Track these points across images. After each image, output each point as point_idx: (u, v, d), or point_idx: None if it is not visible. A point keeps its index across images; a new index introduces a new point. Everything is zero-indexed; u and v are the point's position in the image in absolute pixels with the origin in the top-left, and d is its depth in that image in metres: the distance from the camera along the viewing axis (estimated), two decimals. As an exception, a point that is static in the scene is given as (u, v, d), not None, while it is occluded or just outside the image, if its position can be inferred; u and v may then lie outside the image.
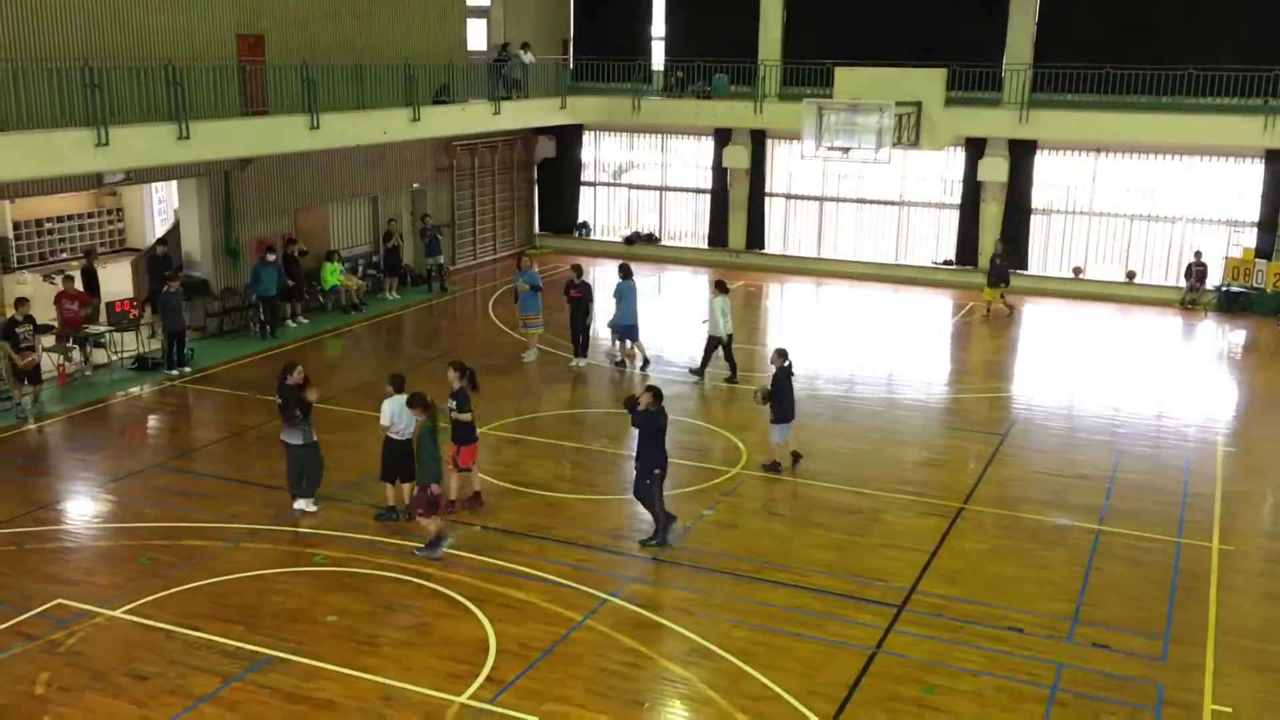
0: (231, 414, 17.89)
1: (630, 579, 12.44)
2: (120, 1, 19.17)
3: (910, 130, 26.05)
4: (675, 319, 20.11)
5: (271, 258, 21.64)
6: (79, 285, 20.36)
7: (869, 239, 30.13)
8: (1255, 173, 26.25)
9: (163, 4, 19.90)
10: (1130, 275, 27.65)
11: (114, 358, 20.05)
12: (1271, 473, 16.35)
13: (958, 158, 28.48)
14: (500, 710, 9.81)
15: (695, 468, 15.74)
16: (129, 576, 12.18)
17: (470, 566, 12.51)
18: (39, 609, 11.40)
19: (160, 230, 25.38)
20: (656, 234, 32.25)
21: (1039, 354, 23.06)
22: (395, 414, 13.26)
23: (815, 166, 29.27)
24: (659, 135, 31.83)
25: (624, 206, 32.83)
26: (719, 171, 30.76)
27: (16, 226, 26.20)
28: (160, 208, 28.34)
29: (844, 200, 30.32)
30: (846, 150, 25.29)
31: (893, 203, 29.81)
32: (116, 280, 22.89)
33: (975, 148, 28.00)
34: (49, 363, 18.55)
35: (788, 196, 30.86)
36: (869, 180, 29.50)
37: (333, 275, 24.10)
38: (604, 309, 21.68)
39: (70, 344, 19.09)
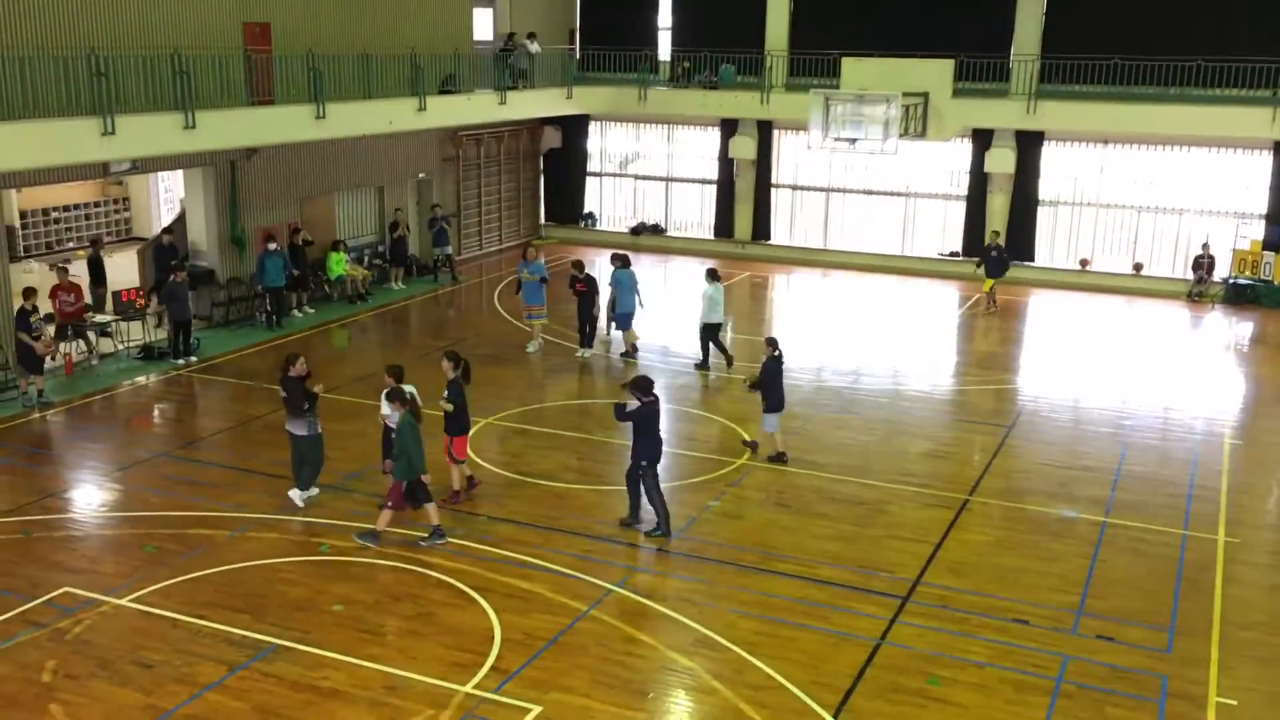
0: (237, 403, 17.92)
1: (635, 569, 12.45)
2: (126, -10, 19.18)
3: (917, 121, 25.97)
4: (682, 310, 20.11)
5: (273, 247, 21.62)
6: (76, 277, 20.31)
7: (875, 230, 30.05)
8: (1263, 164, 26.14)
9: (169, -7, 19.92)
10: (1137, 267, 27.58)
11: (120, 347, 20.09)
12: (1278, 465, 16.32)
13: (965, 149, 28.39)
14: (505, 700, 9.84)
15: (701, 458, 15.75)
16: (135, 565, 12.21)
17: (475, 556, 12.54)
18: (46, 597, 11.44)
19: (166, 220, 25.38)
20: (662, 225, 32.21)
21: (1045, 346, 23.02)
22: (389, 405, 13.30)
23: (821, 157, 29.20)
24: (665, 126, 31.76)
25: (630, 197, 32.78)
26: (725, 162, 30.70)
27: (23, 216, 26.19)
28: (166, 197, 28.34)
29: (850, 191, 30.25)
30: (853, 141, 25.22)
31: (899, 194, 29.74)
32: (123, 269, 22.90)
33: (982, 139, 27.92)
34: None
35: (794, 187, 30.81)
36: (875, 171, 29.42)
37: (338, 265, 24.11)
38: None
39: (68, 336, 19.07)
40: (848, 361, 20.98)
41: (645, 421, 13.05)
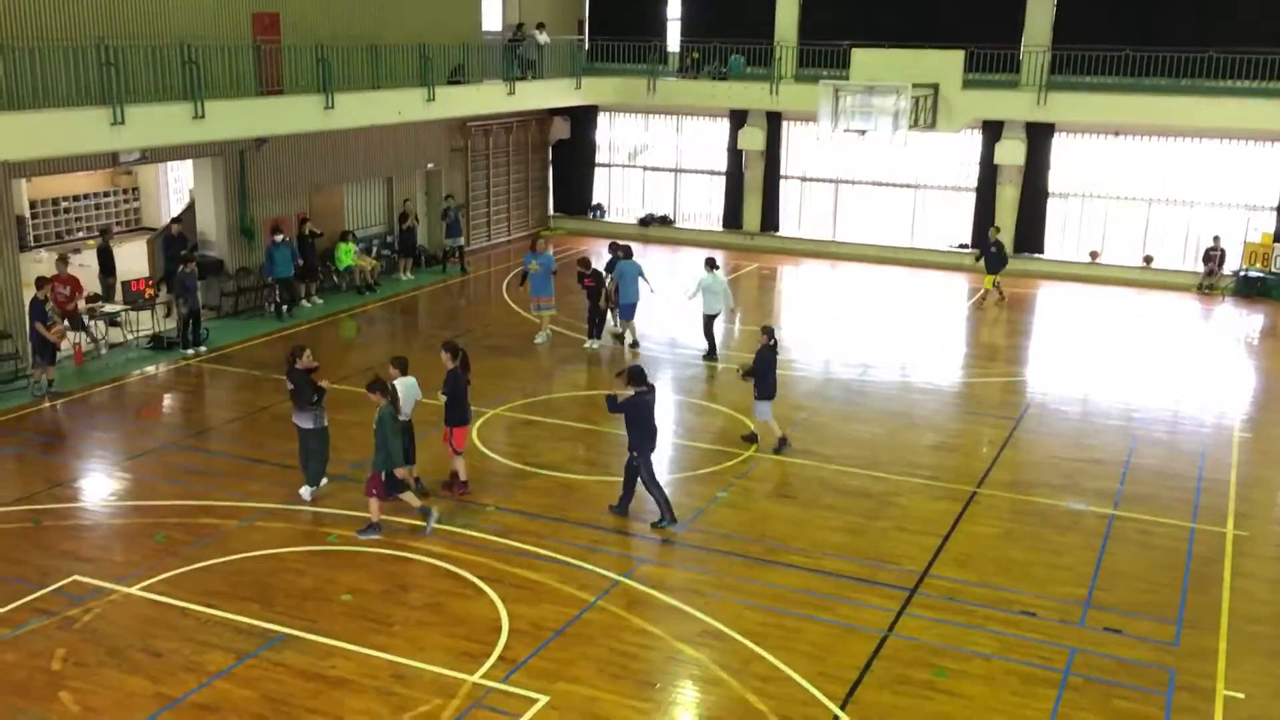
0: (246, 393, 17.96)
1: (642, 560, 12.47)
2: (136, -20, 19.19)
3: (927, 112, 25.90)
4: (691, 302, 20.16)
5: (280, 238, 21.64)
6: (85, 266, 20.37)
7: (884, 222, 29.99)
8: (1275, 156, 26.02)
9: (178, -17, 19.92)
10: (1147, 259, 27.48)
11: (129, 337, 20.15)
12: (1288, 459, 16.28)
13: (975, 140, 28.31)
14: (512, 689, 9.86)
15: (709, 450, 15.75)
16: (144, 554, 12.26)
17: (483, 547, 12.56)
18: (55, 585, 11.49)
19: (175, 210, 25.43)
20: (671, 216, 32.18)
21: (1054, 338, 22.95)
22: (404, 395, 13.29)
23: (831, 149, 29.15)
24: (674, 116, 31.71)
25: (639, 188, 32.74)
26: (734, 153, 30.66)
27: (33, 205, 26.27)
28: (176, 187, 28.39)
29: (859, 183, 30.18)
30: (863, 132, 25.16)
31: (908, 186, 29.67)
32: (132, 259, 22.96)
33: (992, 130, 27.83)
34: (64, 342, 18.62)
35: (803, 179, 30.74)
36: (885, 163, 29.34)
37: (347, 256, 24.13)
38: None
39: (65, 327, 19.07)
40: (856, 353, 20.95)
41: (637, 411, 13.03)
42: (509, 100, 26.75)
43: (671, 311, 22.30)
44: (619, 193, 32.94)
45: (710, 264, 19.96)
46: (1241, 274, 26.07)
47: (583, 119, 31.89)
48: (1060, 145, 27.77)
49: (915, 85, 24.97)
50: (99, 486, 14.37)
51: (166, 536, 12.68)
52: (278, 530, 12.90)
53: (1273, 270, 25.79)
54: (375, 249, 25.95)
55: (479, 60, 26.56)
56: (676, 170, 32.23)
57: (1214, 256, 26.33)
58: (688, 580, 11.98)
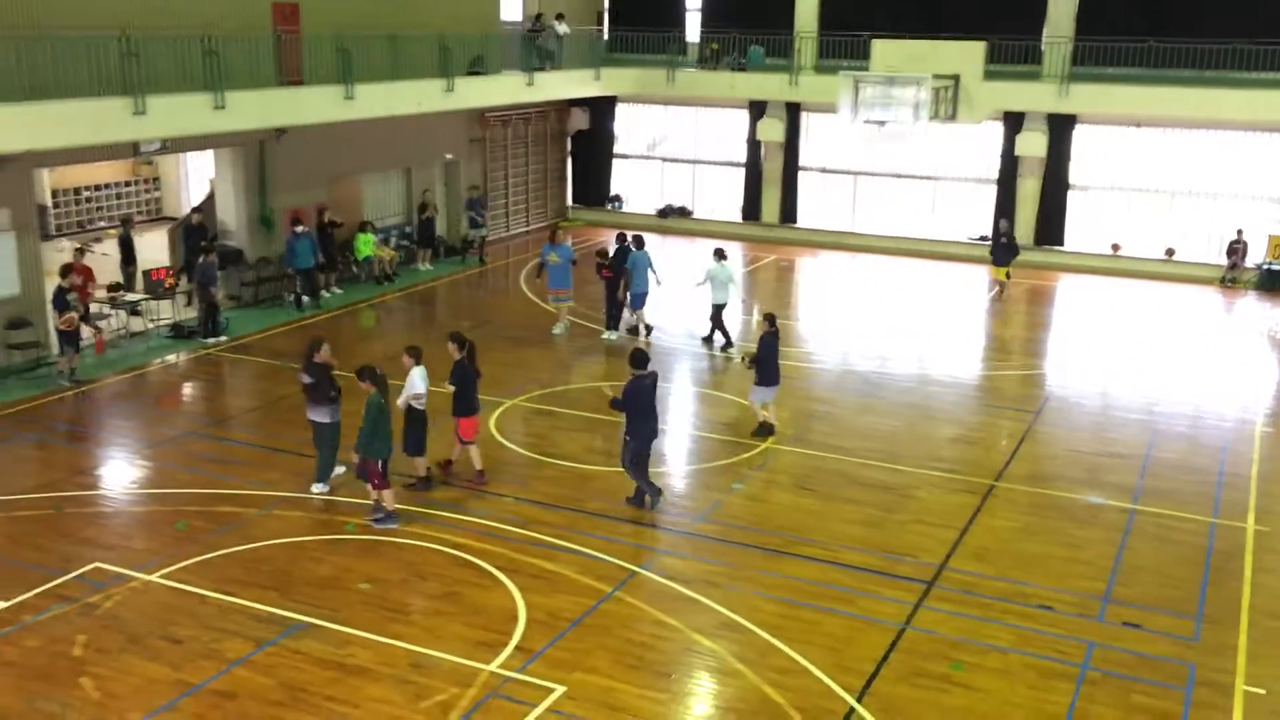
0: (265, 382, 18.04)
1: (660, 552, 12.47)
2: (157, -30, 19.24)
3: (948, 104, 25.76)
4: (697, 289, 20.19)
5: (301, 229, 21.70)
6: (106, 255, 20.44)
7: (903, 214, 29.86)
8: (1300, 149, 25.80)
9: (199, -27, 19.97)
10: (1169, 252, 27.28)
11: (150, 325, 20.26)
12: (1310, 454, 16.15)
13: (995, 132, 28.14)
14: (529, 679, 9.89)
15: (726, 441, 15.73)
16: (165, 541, 12.34)
17: (501, 537, 12.59)
18: (77, 572, 11.58)
19: (196, 199, 25.55)
20: (689, 207, 32.12)
21: (1075, 331, 22.80)
22: (421, 384, 13.34)
23: (850, 140, 29.04)
24: (693, 107, 31.62)
25: (657, 179, 32.69)
26: (753, 144, 30.57)
27: (55, 195, 26.47)
28: (196, 177, 28.52)
29: (879, 175, 30.05)
30: (883, 123, 25.04)
31: (928, 177, 29.53)
32: (153, 248, 23.09)
33: (1013, 122, 27.67)
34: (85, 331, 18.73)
35: (822, 170, 30.64)
36: (904, 155, 29.21)
37: (366, 246, 24.19)
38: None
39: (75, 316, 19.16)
40: (874, 346, 20.88)
41: (636, 397, 13.04)
42: (528, 91, 26.74)
43: (687, 302, 22.26)
44: (637, 184, 32.89)
45: (719, 254, 20.07)
46: (1265, 267, 25.86)
47: (601, 110, 31.86)
48: (1082, 136, 27.58)
49: (936, 76, 24.83)
50: (120, 474, 14.47)
51: (187, 524, 12.76)
52: (296, 519, 12.96)
53: (1296, 263, 25.59)
54: (394, 239, 26.00)
55: (498, 51, 26.56)
56: (695, 161, 32.16)
57: (1237, 249, 26.12)
58: (705, 572, 11.99)
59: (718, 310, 19.90)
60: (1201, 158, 26.91)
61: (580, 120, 32.02)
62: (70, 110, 16.41)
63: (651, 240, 21.15)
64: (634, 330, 20.78)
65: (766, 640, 10.61)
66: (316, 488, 13.62)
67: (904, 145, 28.11)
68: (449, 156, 27.57)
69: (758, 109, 30.13)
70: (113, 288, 20.22)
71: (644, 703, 9.66)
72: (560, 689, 9.73)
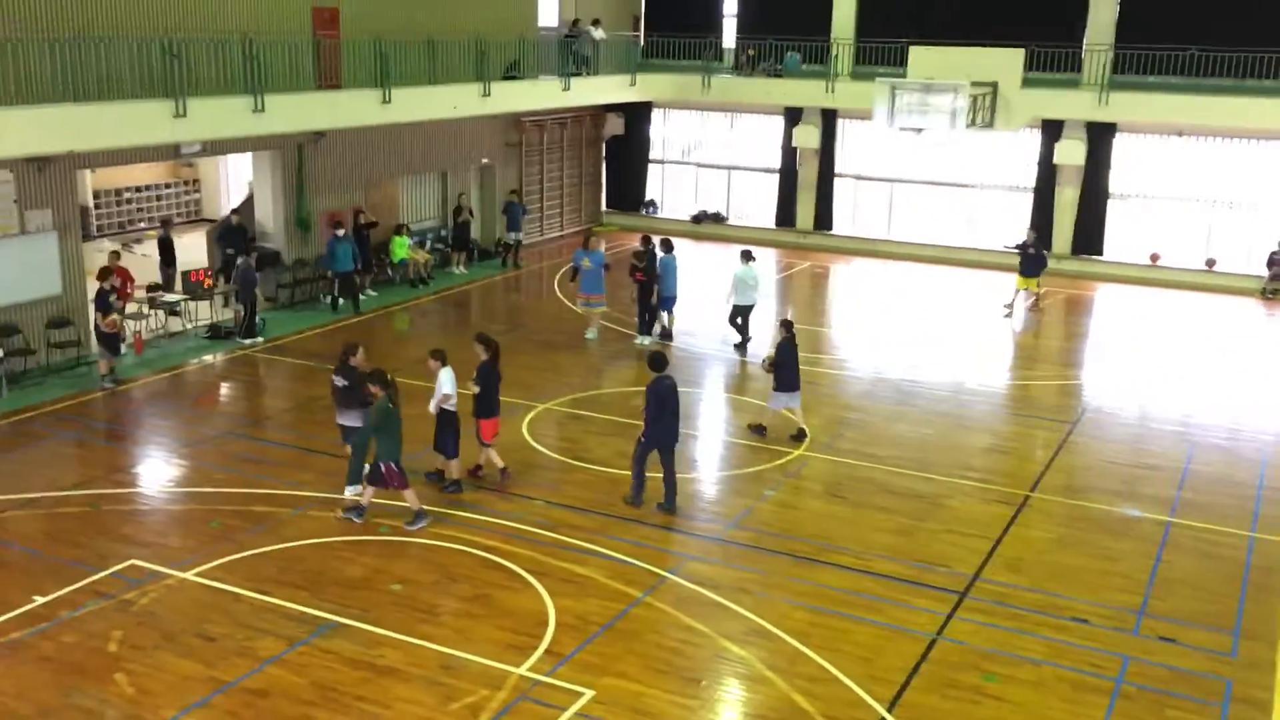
0: (300, 384, 18.19)
1: (690, 557, 12.45)
2: (199, -25, 19.48)
3: (985, 111, 25.57)
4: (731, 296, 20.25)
5: (341, 232, 21.87)
6: (146, 255, 20.62)
7: (939, 222, 29.68)
8: (1344, 159, 25.43)
9: (241, -23, 20.20)
10: (1209, 263, 26.96)
11: (188, 326, 20.48)
12: (1352, 468, 15.89)
13: (1034, 140, 27.92)
14: (558, 683, 9.90)
15: (758, 448, 15.69)
16: (200, 540, 12.46)
17: (531, 540, 12.62)
18: (114, 569, 11.71)
19: (235, 202, 25.80)
20: (724, 213, 32.09)
21: (1113, 342, 22.56)
22: (448, 385, 13.42)
23: (885, 147, 28.92)
24: (728, 113, 31.61)
25: (692, 185, 32.69)
26: (788, 151, 30.51)
27: (97, 195, 26.82)
28: (235, 179, 28.80)
29: (914, 182, 29.89)
30: (919, 131, 24.92)
31: (964, 185, 29.34)
32: (192, 250, 23.34)
33: (1052, 130, 27.45)
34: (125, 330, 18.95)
35: (857, 177, 30.52)
36: (941, 162, 29.05)
37: (401, 249, 24.33)
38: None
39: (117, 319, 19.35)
40: (908, 354, 20.76)
41: (656, 398, 13.15)
42: (564, 96, 26.83)
43: (719, 308, 22.22)
44: (672, 189, 32.90)
45: (746, 255, 20.19)
46: (1307, 279, 25.51)
47: (637, 115, 31.90)
48: (1121, 145, 27.32)
49: (973, 84, 24.67)
50: (157, 473, 14.62)
51: (221, 523, 12.88)
52: (329, 520, 13.05)
53: (1340, 275, 25.20)
54: (429, 242, 26.14)
55: (535, 56, 26.67)
56: (730, 167, 32.12)
57: (1278, 260, 25.76)
58: (735, 578, 11.95)
59: (740, 311, 20.03)
60: (1243, 167, 26.58)
61: (615, 125, 32.08)
62: (113, 112, 16.63)
63: (684, 246, 21.11)
64: (667, 335, 20.80)
65: (796, 648, 10.57)
66: (350, 491, 13.69)
67: (940, 152, 27.97)
68: (485, 160, 27.71)
69: (793, 115, 30.06)
70: (152, 288, 20.46)
71: (673, 709, 9.64)
72: (589, 693, 9.73)
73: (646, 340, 20.59)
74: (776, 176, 31.04)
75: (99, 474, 14.32)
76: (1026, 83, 25.96)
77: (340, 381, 13.64)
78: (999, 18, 27.21)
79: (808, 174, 30.41)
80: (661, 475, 13.45)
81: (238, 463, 14.72)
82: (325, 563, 12.02)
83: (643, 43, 31.86)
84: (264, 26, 20.17)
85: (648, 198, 32.77)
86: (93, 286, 17.60)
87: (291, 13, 21.26)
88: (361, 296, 23.10)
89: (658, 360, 13.53)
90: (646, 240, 20.99)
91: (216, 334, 20.21)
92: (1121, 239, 27.87)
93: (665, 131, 32.65)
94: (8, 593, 11.13)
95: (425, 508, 13.00)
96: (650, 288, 20.45)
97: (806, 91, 28.88)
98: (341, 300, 22.32)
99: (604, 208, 32.98)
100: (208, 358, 19.35)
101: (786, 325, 15.95)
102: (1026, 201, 28.40)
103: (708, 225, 31.71)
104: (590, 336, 20.89)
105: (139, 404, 17.15)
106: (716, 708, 9.79)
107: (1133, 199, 27.75)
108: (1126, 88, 25.95)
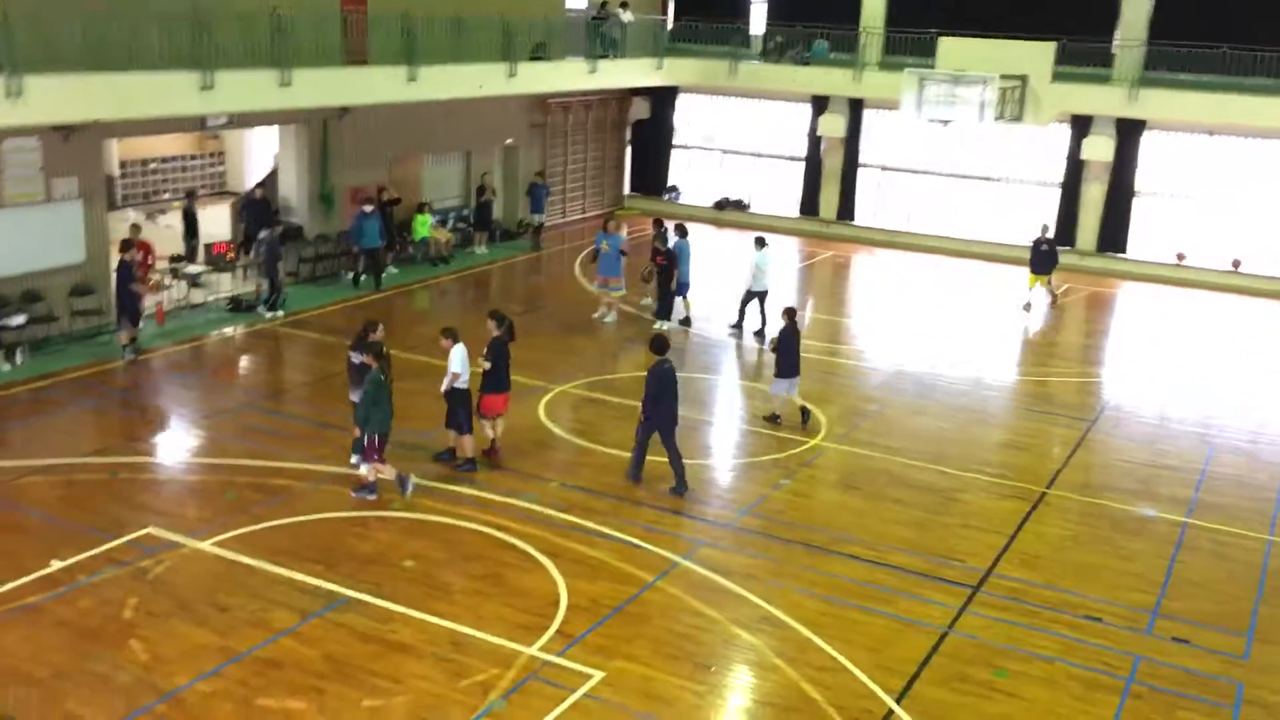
0: (320, 358, 18.24)
1: (702, 543, 12.45)
2: (229, -53, 19.46)
3: (1014, 104, 25.39)
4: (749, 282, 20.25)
5: (369, 209, 21.87)
6: (169, 227, 20.67)
7: (963, 214, 29.48)
8: (1376, 162, 25.13)
9: (270, -49, 20.16)
10: (1236, 263, 26.72)
11: (210, 298, 20.56)
12: (1374, 475, 15.75)
13: (1062, 134, 27.69)
14: (568, 664, 9.93)
15: (774, 437, 15.66)
16: (216, 510, 12.54)
17: (545, 521, 12.64)
18: (130, 536, 11.80)
19: (259, 175, 25.84)
20: (747, 200, 31.98)
21: (1135, 340, 22.42)
22: (461, 363, 13.47)
23: (910, 139, 28.73)
24: (754, 100, 31.44)
25: (715, 171, 32.56)
26: (814, 139, 30.34)
27: (123, 165, 26.86)
28: (260, 153, 28.83)
29: (940, 174, 29.70)
30: (946, 122, 24.75)
31: (989, 179, 29.13)
32: (215, 222, 23.40)
33: (1080, 125, 27.20)
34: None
35: (882, 168, 30.34)
36: (967, 155, 28.84)
37: (423, 227, 24.33)
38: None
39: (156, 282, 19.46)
40: (928, 347, 20.66)
41: (655, 380, 13.30)
42: (590, 78, 26.75)
43: (735, 295, 22.18)
44: (695, 175, 32.78)
45: (760, 242, 20.23)
46: (1334, 282, 25.25)
47: (662, 99, 31.79)
48: (1150, 143, 27.06)
49: (1003, 76, 24.49)
50: (175, 443, 14.72)
51: (237, 495, 12.95)
52: (344, 494, 13.09)
53: (1368, 280, 24.93)
54: (451, 221, 26.14)
55: (562, 37, 26.58)
56: (755, 154, 31.99)
57: (1306, 263, 25.53)
58: (747, 565, 11.95)
59: (753, 296, 20.10)
60: (1273, 168, 26.29)
61: (641, 109, 31.97)
62: (140, 83, 16.69)
63: (706, 232, 21.05)
64: (686, 321, 20.76)
65: (807, 637, 10.57)
66: (364, 467, 13.74)
67: (966, 146, 27.78)
68: (509, 141, 27.67)
69: (820, 104, 29.88)
70: (174, 259, 20.53)
71: (682, 693, 9.66)
72: (599, 675, 9.76)
73: (666, 325, 20.53)
74: (801, 165, 30.89)
75: (118, 442, 14.41)
76: (1056, 77, 25.76)
77: (357, 358, 13.68)
78: (1031, 11, 26.97)
79: (832, 163, 30.25)
80: (667, 459, 13.45)
81: (254, 435, 14.79)
82: (339, 537, 12.08)
83: (670, 26, 31.71)
84: (292, 1, 20.14)
85: (671, 183, 32.67)
86: (115, 257, 17.65)
87: (320, -13, 21.23)
88: (384, 274, 23.13)
89: (659, 343, 13.73)
90: (659, 224, 20.98)
91: (238, 306, 20.28)
92: (1147, 237, 27.63)
93: (691, 117, 32.51)
94: (25, 558, 11.23)
95: (380, 483, 12.93)
96: (670, 272, 20.42)
97: (834, 80, 28.70)
98: (364, 276, 22.36)
99: (627, 192, 32.91)
100: (228, 330, 19.43)
101: (789, 313, 16.09)
102: (1053, 197, 28.17)
103: (730, 212, 31.61)
104: (605, 319, 20.82)
105: (159, 374, 17.24)
106: (725, 694, 9.80)
107: (1160, 197, 27.50)
108: (1157, 84, 25.69)
